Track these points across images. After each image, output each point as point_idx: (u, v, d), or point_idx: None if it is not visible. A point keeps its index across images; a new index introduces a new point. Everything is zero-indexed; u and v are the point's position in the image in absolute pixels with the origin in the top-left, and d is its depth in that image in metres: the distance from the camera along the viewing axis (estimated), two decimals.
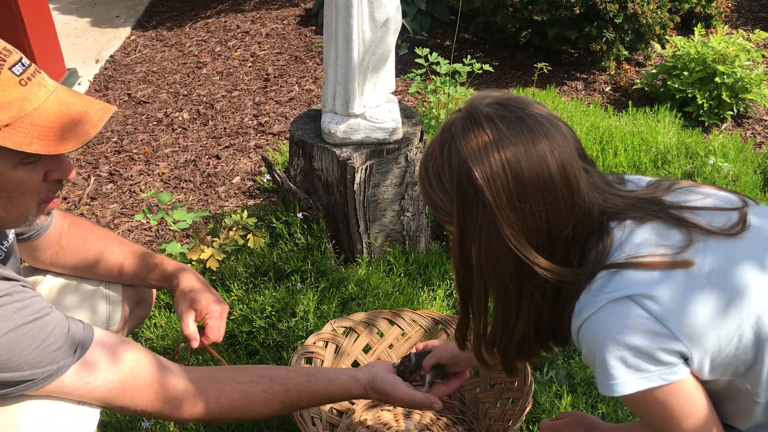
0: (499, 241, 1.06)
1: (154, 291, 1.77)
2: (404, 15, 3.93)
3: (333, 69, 2.13)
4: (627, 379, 1.03)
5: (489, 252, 1.08)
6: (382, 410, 1.83)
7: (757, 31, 3.67)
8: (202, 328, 1.52)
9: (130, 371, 1.23)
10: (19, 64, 1.08)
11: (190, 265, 2.21)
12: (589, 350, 1.07)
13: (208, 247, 2.22)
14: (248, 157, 3.28)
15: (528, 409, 1.59)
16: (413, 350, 1.61)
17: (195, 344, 1.50)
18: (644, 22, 3.59)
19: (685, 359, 1.04)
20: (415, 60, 3.19)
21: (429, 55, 3.11)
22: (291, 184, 2.27)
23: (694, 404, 1.06)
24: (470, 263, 1.12)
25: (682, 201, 1.13)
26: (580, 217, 1.08)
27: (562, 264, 1.09)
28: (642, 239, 1.07)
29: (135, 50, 4.47)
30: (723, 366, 1.05)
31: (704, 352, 1.03)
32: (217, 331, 1.52)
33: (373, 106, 2.18)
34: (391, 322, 1.87)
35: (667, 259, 1.04)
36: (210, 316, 1.51)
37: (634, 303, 1.02)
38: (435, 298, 2.20)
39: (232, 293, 2.16)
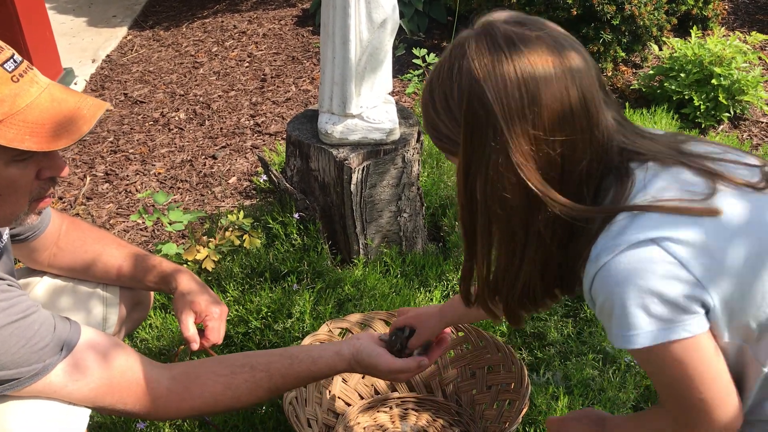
0: (508, 172, 0.97)
1: (152, 294, 1.76)
2: (401, 16, 3.93)
3: (330, 69, 2.12)
4: (648, 329, 0.95)
5: (496, 184, 0.99)
6: (378, 412, 1.82)
7: (753, 33, 3.68)
8: (201, 330, 1.52)
9: (118, 370, 1.22)
10: (11, 60, 1.07)
11: (185, 265, 2.20)
12: (606, 298, 0.98)
13: (204, 247, 2.21)
14: (245, 157, 3.27)
15: (524, 410, 1.59)
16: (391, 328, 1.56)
17: (195, 346, 1.50)
18: (641, 23, 3.59)
19: (707, 311, 0.97)
20: (413, 60, 3.19)
21: (426, 56, 3.11)
22: (287, 185, 2.26)
23: (712, 367, 0.98)
24: (475, 197, 1.03)
25: (702, 151, 1.06)
26: (598, 153, 1.00)
27: (574, 201, 1.00)
28: (666, 183, 1.00)
29: (131, 50, 4.46)
30: (741, 326, 0.99)
31: (726, 305, 0.96)
32: (216, 333, 1.52)
33: (370, 106, 2.17)
34: (388, 323, 1.87)
35: (695, 206, 0.96)
36: (210, 317, 1.51)
37: (659, 246, 0.94)
38: (432, 299, 2.20)
39: (228, 294, 2.15)
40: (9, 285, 1.14)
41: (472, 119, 0.98)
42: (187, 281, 1.55)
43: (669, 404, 1.05)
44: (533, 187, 0.98)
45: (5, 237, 1.30)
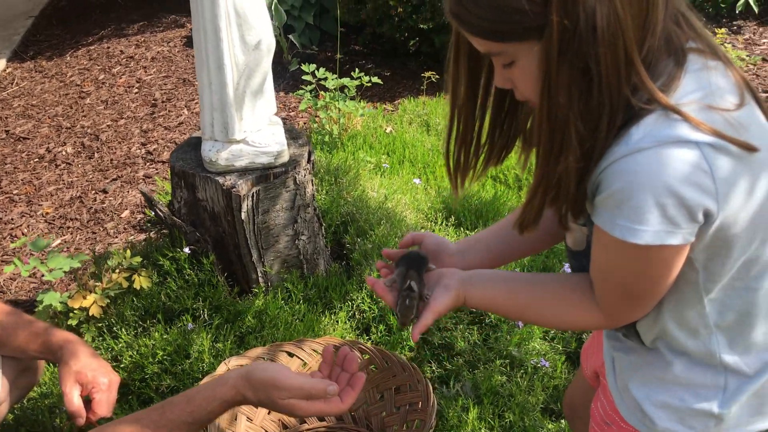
0: (609, 32, 0.86)
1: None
2: (292, 30, 3.86)
3: (208, 95, 2.04)
4: (658, 230, 0.89)
5: (599, 41, 0.86)
6: None
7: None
8: (89, 402, 1.42)
9: None
10: None
11: (71, 314, 2.07)
12: (625, 186, 0.90)
13: (90, 293, 2.08)
14: (137, 188, 3.13)
15: (432, 429, 1.56)
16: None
17: (81, 422, 1.41)
18: None
19: (705, 222, 0.92)
20: (302, 77, 3.13)
21: (316, 71, 3.06)
22: (175, 219, 2.16)
23: (671, 275, 0.97)
24: (572, 65, 0.89)
25: None
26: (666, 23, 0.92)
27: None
28: (721, 84, 0.93)
29: (12, 83, 4.22)
30: (717, 248, 0.96)
31: (727, 225, 0.93)
32: (105, 406, 1.43)
33: (255, 130, 2.10)
34: (290, 354, 1.81)
35: (736, 137, 0.89)
36: (97, 389, 1.41)
37: (701, 151, 0.88)
38: (337, 322, 2.15)
39: (121, 339, 2.03)
40: None
41: None
42: (74, 350, 1.45)
43: (607, 290, 1.02)
44: (635, 42, 0.88)
45: None
